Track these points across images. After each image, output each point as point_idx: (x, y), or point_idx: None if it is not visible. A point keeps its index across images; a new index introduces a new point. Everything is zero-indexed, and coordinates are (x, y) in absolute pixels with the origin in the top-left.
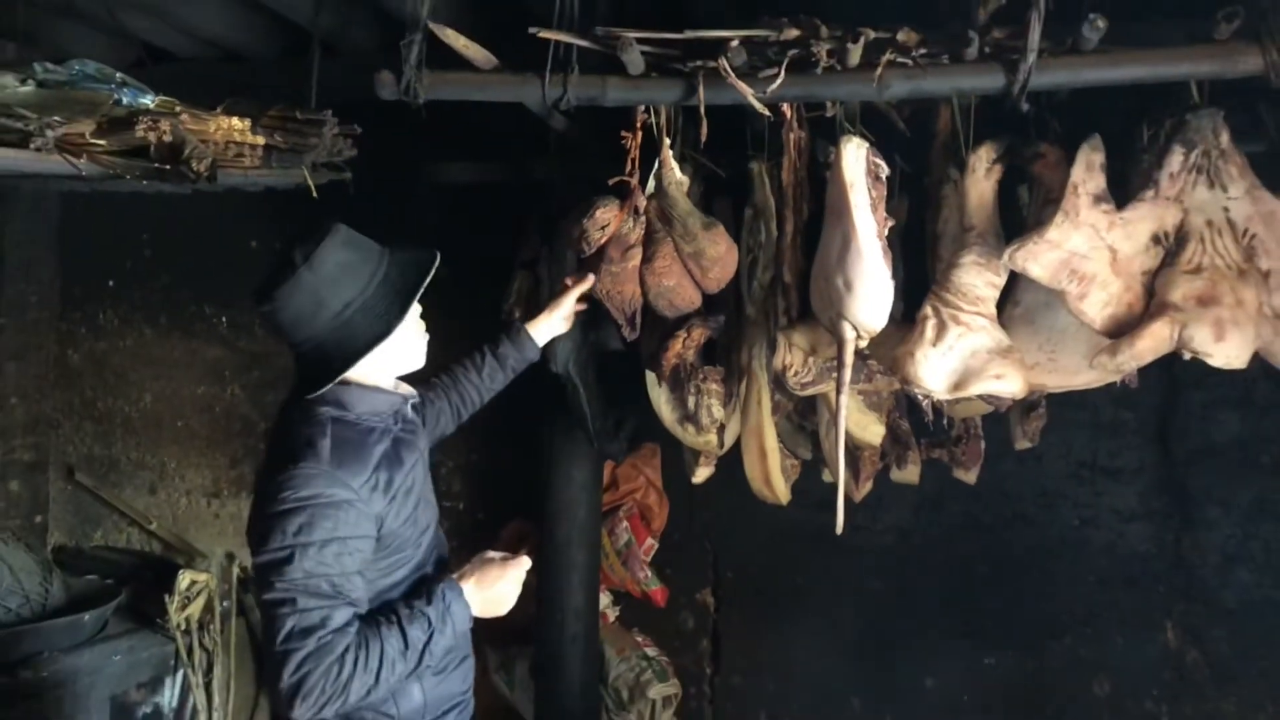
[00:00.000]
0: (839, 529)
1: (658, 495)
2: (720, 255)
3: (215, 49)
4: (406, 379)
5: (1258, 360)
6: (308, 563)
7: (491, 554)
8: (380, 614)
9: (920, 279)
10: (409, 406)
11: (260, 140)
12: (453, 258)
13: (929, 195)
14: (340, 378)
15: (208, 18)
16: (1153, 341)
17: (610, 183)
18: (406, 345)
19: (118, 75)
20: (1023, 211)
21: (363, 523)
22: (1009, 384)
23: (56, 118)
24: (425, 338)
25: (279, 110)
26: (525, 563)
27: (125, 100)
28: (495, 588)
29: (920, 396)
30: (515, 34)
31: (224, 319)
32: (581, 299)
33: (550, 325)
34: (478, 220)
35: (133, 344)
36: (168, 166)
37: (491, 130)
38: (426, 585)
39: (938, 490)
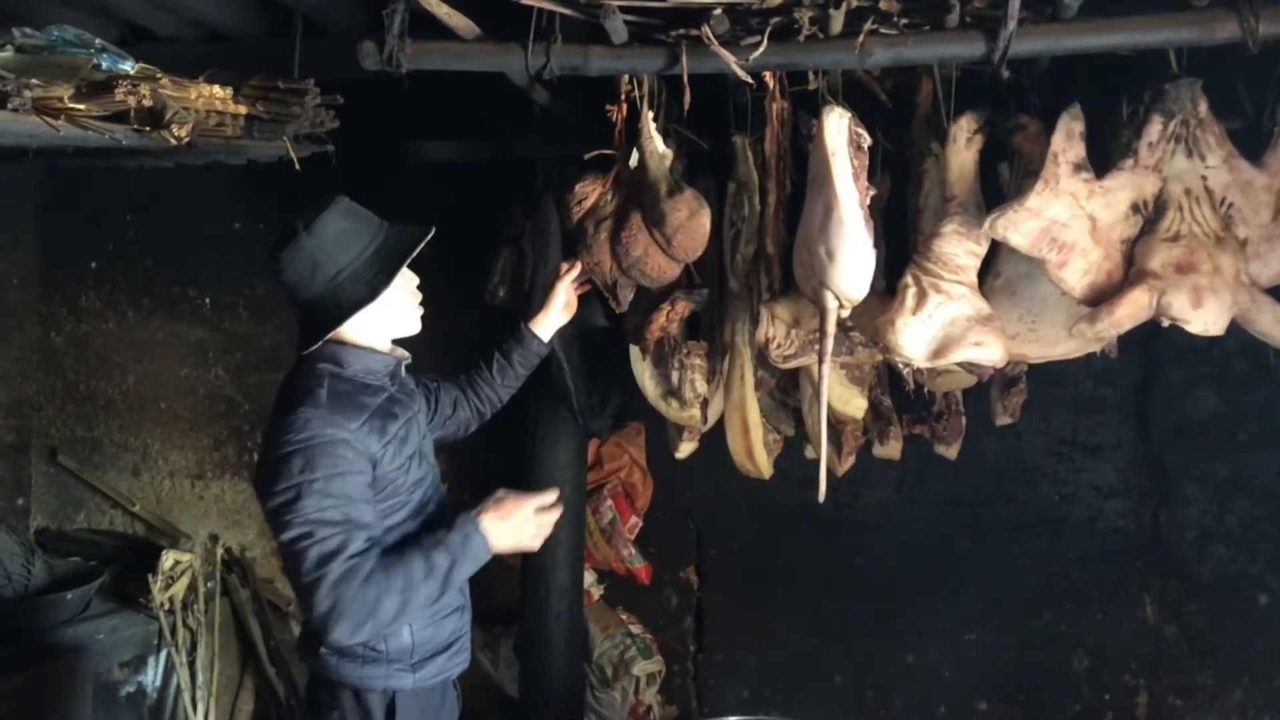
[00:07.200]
0: (821, 497)
1: (642, 473)
2: (681, 223)
3: (199, 28)
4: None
5: (1234, 336)
6: (315, 497)
7: (501, 492)
8: (403, 542)
9: (902, 256)
10: (403, 369)
11: (242, 109)
12: (437, 236)
13: (911, 169)
14: (334, 336)
15: None
16: (1132, 309)
17: (587, 157)
18: (399, 310)
19: (97, 41)
20: (1003, 188)
21: (359, 460)
22: (989, 351)
23: (35, 80)
24: (420, 306)
25: (260, 80)
26: (545, 498)
27: (104, 65)
28: (512, 519)
29: (901, 365)
30: (499, 4)
31: (207, 300)
32: (583, 282)
33: (550, 318)
34: (462, 198)
35: (115, 326)
36: (148, 129)
37: (476, 109)
38: (447, 517)
39: (919, 466)
